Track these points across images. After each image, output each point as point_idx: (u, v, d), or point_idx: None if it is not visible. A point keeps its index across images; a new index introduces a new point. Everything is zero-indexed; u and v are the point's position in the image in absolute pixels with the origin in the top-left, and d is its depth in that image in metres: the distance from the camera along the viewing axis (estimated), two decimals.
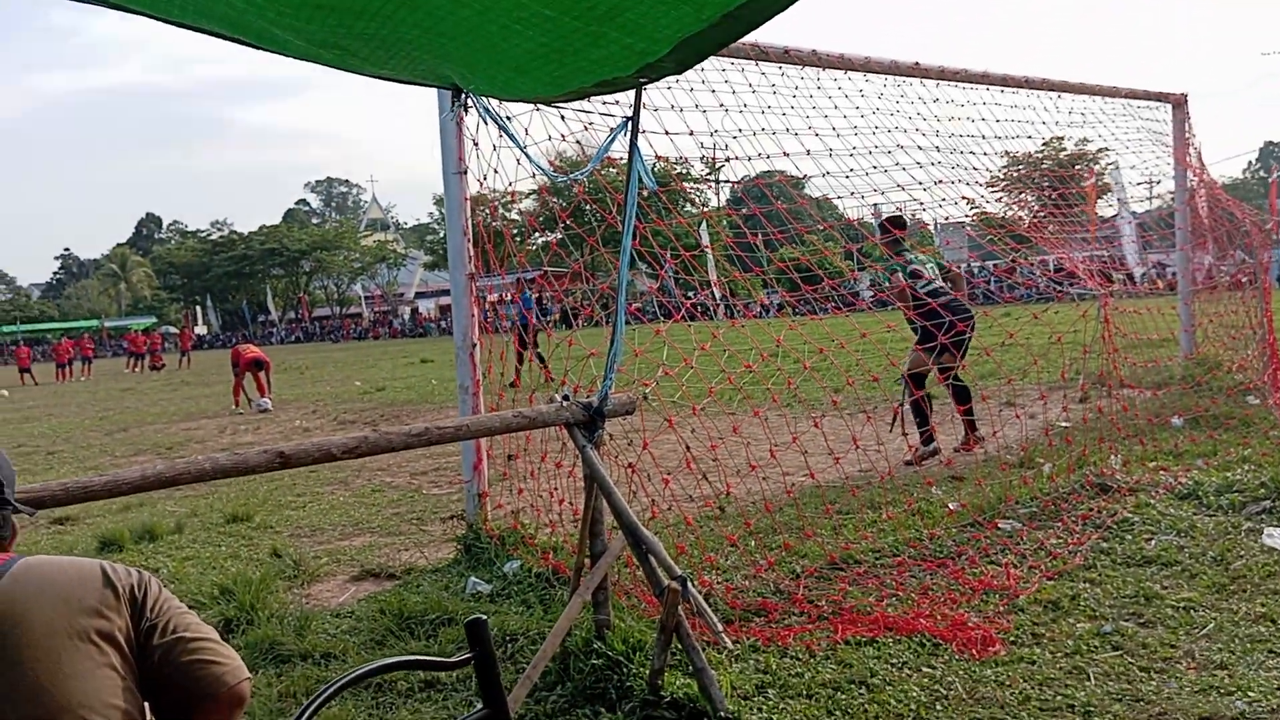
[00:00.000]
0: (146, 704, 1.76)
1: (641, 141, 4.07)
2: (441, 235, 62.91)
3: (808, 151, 6.19)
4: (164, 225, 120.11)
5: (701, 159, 6.23)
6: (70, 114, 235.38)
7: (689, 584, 3.63)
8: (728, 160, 6.17)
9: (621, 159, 4.24)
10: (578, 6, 2.68)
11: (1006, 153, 8.73)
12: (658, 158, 5.54)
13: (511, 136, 4.39)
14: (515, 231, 6.89)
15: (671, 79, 4.02)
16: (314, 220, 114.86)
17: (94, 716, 1.61)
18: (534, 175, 5.14)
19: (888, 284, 8.05)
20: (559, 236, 6.28)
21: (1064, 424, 8.42)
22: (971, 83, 8.13)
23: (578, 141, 5.19)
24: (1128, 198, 14.90)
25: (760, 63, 6.36)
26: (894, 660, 3.95)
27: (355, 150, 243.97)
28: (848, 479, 6.63)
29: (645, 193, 4.43)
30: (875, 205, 8.16)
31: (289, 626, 4.78)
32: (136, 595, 1.78)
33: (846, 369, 7.95)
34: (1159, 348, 10.45)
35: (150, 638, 1.75)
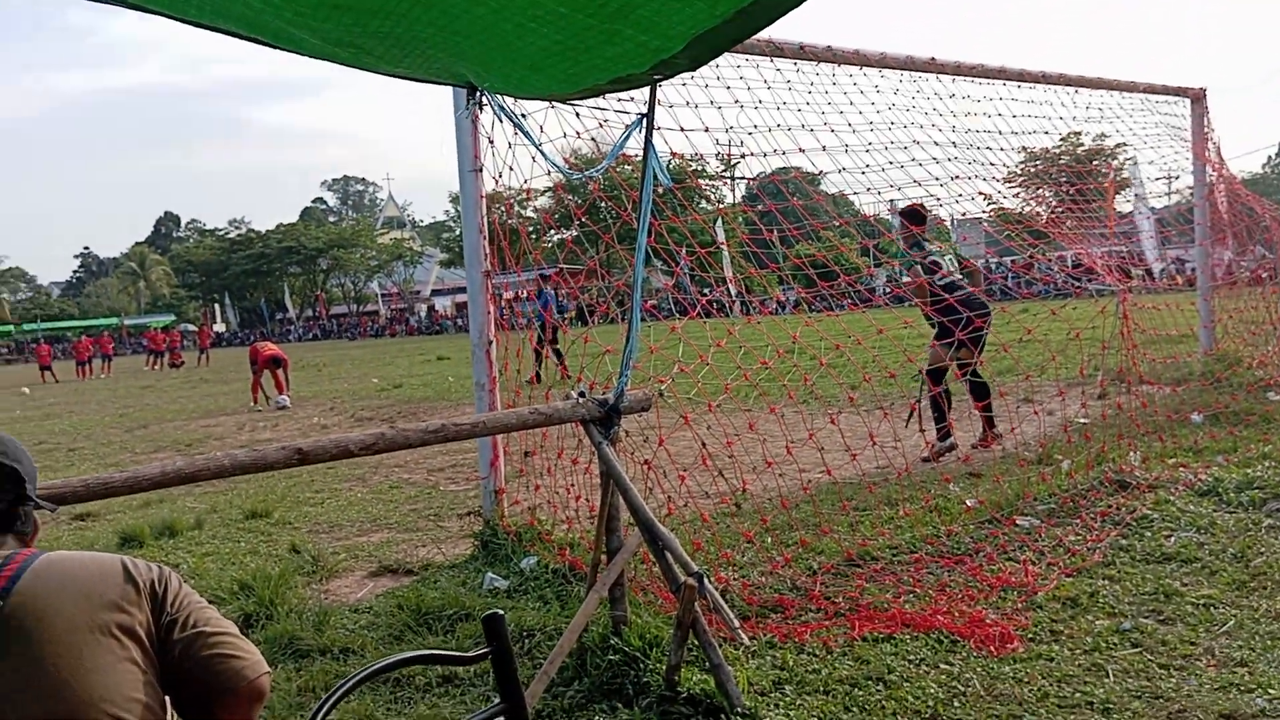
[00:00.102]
0: (167, 698, 1.77)
1: (656, 138, 4.07)
2: (457, 233, 63.08)
3: (823, 147, 6.18)
4: (182, 224, 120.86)
5: (717, 155, 6.23)
6: (89, 114, 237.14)
7: (705, 580, 3.63)
8: (743, 157, 6.17)
9: (636, 156, 4.25)
10: (592, 4, 2.69)
11: (1024, 148, 8.70)
12: (673, 154, 5.55)
13: (527, 134, 4.41)
14: (531, 229, 6.91)
15: (686, 75, 4.02)
16: (331, 218, 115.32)
17: (115, 711, 1.62)
18: (549, 172, 5.15)
19: (906, 276, 8.01)
20: (574, 234, 6.29)
21: (1083, 420, 8.38)
22: (988, 78, 8.08)
23: (593, 139, 5.20)
24: (1146, 193, 14.81)
25: (775, 59, 6.35)
26: (911, 657, 3.94)
27: (371, 149, 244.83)
28: (865, 476, 6.61)
29: (660, 189, 4.44)
30: (891, 201, 8.14)
31: (308, 622, 4.81)
32: (157, 590, 1.79)
33: (863, 365, 7.94)
34: (1178, 344, 10.38)
35: (171, 632, 1.76)
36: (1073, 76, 8.93)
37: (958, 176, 7.02)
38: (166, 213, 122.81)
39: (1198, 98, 10.79)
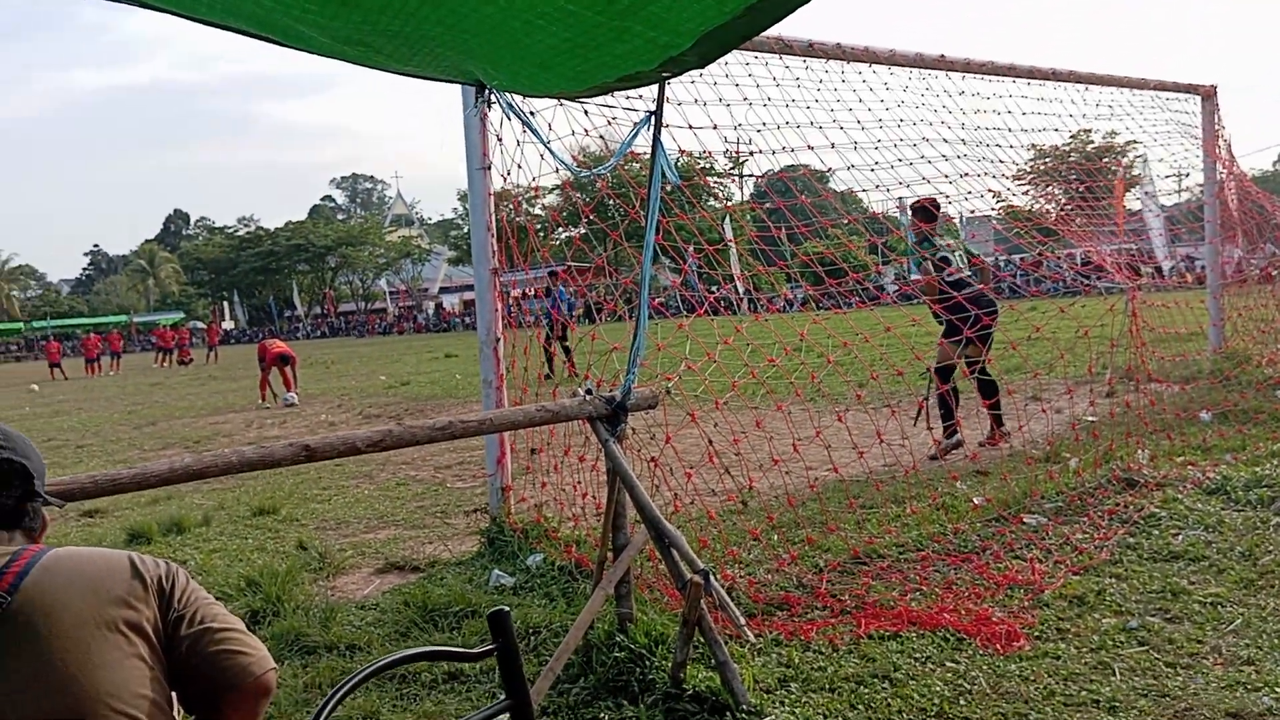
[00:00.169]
0: (174, 694, 1.78)
1: (665, 136, 4.07)
2: (465, 231, 63.02)
3: (832, 145, 6.17)
4: (191, 221, 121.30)
5: (725, 153, 6.23)
6: (99, 111, 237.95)
7: (711, 578, 3.63)
8: (751, 154, 6.16)
9: (645, 153, 4.25)
10: (600, 1, 2.69)
11: (1033, 145, 8.66)
12: (681, 152, 5.54)
13: (535, 132, 4.41)
14: (539, 227, 6.91)
15: (695, 73, 4.01)
16: (339, 216, 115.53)
17: (122, 706, 1.63)
18: (557, 170, 5.15)
19: (917, 273, 7.98)
20: (582, 231, 6.29)
21: (1091, 418, 8.35)
22: (997, 75, 8.06)
23: (601, 136, 5.20)
24: (1156, 190, 14.76)
25: (784, 56, 6.34)
26: (917, 655, 3.94)
27: (380, 146, 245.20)
28: (871, 473, 6.61)
29: (668, 187, 4.43)
30: (900, 199, 8.12)
31: (314, 618, 4.82)
32: (164, 586, 1.80)
33: (871, 363, 7.94)
34: (1187, 342, 10.34)
35: (177, 628, 1.77)
36: (1083, 74, 8.90)
37: (967, 174, 7.00)
38: (176, 210, 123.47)
39: (1208, 95, 10.75)
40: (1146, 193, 15.09)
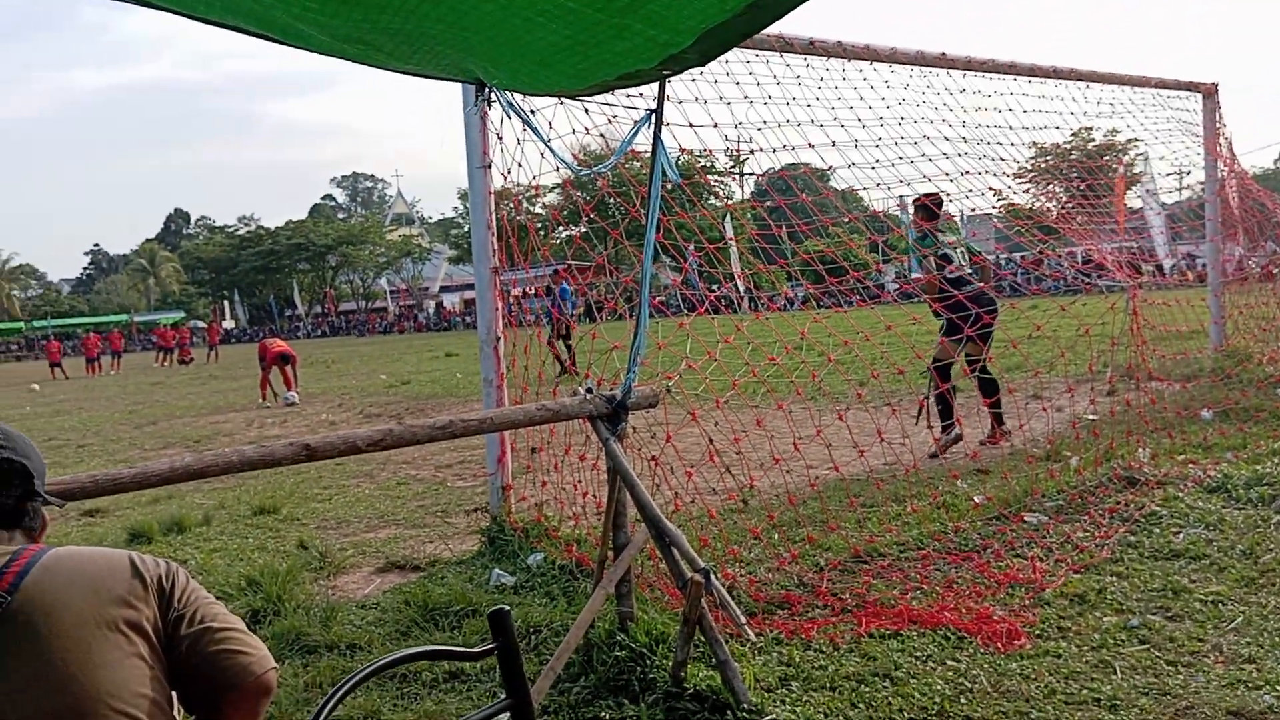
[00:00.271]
0: (174, 694, 1.77)
1: (665, 134, 4.07)
2: (466, 229, 63.10)
3: (833, 143, 6.16)
4: (192, 220, 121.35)
5: (726, 151, 6.22)
6: (100, 110, 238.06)
7: (712, 576, 3.63)
8: (752, 152, 6.16)
9: (645, 152, 4.24)
10: None
11: (1034, 143, 8.64)
12: (682, 150, 5.53)
13: (535, 130, 4.41)
14: (539, 225, 6.90)
15: (695, 71, 4.01)
16: (340, 215, 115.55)
17: (122, 706, 1.62)
18: (558, 169, 5.15)
19: (918, 271, 7.97)
20: (583, 230, 6.29)
21: (1091, 417, 8.35)
22: (999, 73, 8.05)
23: (601, 135, 5.20)
24: (1157, 188, 14.75)
25: (785, 54, 6.33)
26: (918, 653, 3.93)
27: (380, 145, 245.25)
28: (872, 472, 6.61)
29: (669, 185, 4.43)
30: (901, 197, 8.11)
31: (315, 617, 4.82)
32: (164, 585, 1.79)
33: (871, 362, 7.93)
34: (1188, 340, 10.34)
35: (178, 628, 1.76)
36: (1084, 71, 8.89)
37: (968, 172, 7.00)
38: (176, 209, 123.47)
39: (1209, 93, 10.74)
40: (1148, 190, 15.10)
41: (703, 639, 3.62)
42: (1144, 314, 8.03)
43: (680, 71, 3.49)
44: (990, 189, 7.22)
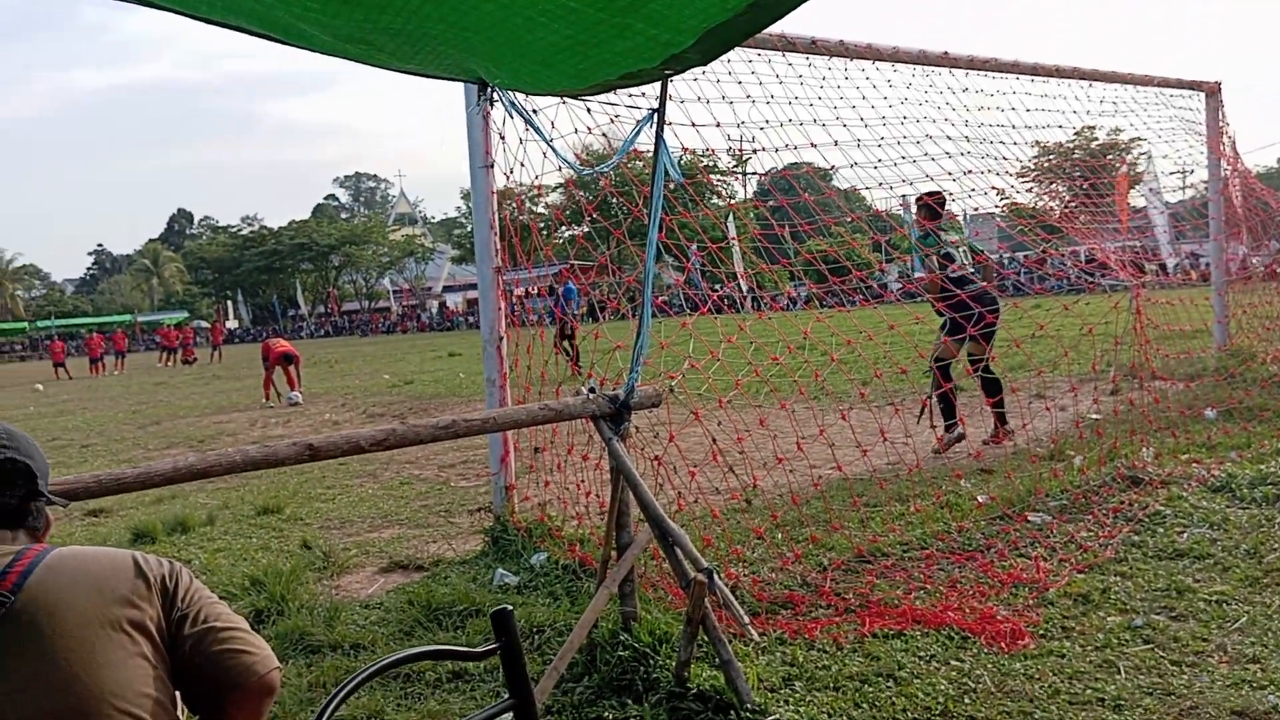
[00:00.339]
0: (177, 693, 1.78)
1: (668, 133, 4.06)
2: (469, 229, 62.93)
3: (835, 142, 6.16)
4: (195, 221, 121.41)
5: (728, 151, 6.22)
6: (102, 111, 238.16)
7: (715, 576, 3.63)
8: (754, 152, 6.15)
9: (647, 151, 4.24)
10: None
11: (1037, 142, 8.63)
12: (684, 149, 5.54)
13: (537, 130, 4.41)
14: (542, 225, 6.91)
15: (697, 70, 4.01)
16: (343, 215, 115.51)
17: (126, 706, 1.63)
18: (560, 169, 5.15)
19: (921, 270, 7.96)
20: (585, 230, 6.29)
21: (1095, 416, 8.34)
22: (1001, 72, 8.04)
23: (604, 134, 5.19)
24: (1160, 187, 14.73)
25: (787, 53, 6.33)
26: (922, 653, 3.93)
27: (383, 145, 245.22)
28: (875, 471, 6.60)
29: (671, 185, 4.42)
30: (904, 196, 8.11)
31: (319, 617, 4.82)
32: (168, 585, 1.80)
33: (874, 361, 7.92)
34: (1192, 339, 10.33)
35: (181, 627, 1.77)
36: (1086, 70, 8.88)
37: (971, 171, 6.99)
38: (179, 209, 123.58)
39: (1212, 91, 10.72)
40: (1151, 189, 15.05)
41: (706, 639, 3.62)
42: (1147, 313, 8.01)
43: (682, 71, 3.49)
44: (993, 188, 7.21)
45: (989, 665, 3.78)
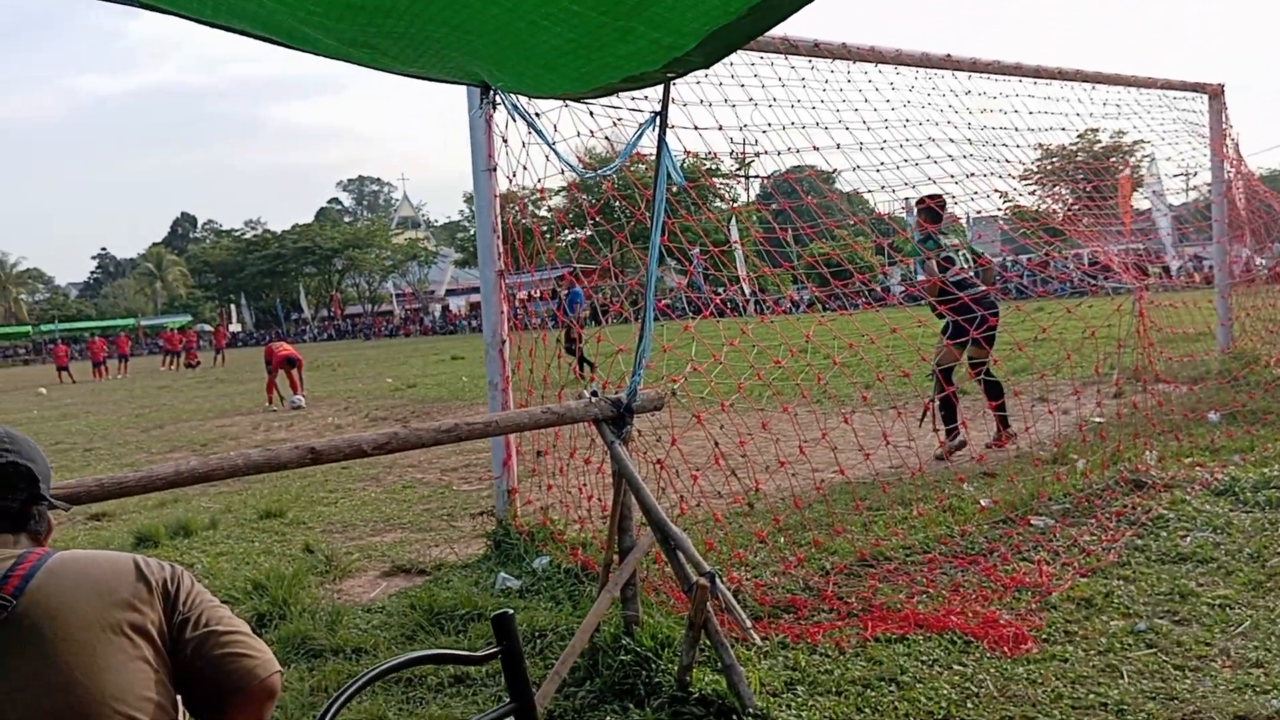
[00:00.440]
0: (179, 697, 1.77)
1: (670, 137, 4.07)
2: (472, 233, 63.14)
3: (838, 145, 6.15)
4: (199, 224, 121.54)
5: (731, 154, 6.21)
6: (107, 115, 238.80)
7: (717, 580, 3.62)
8: (757, 155, 6.15)
9: (650, 154, 4.24)
10: (605, 2, 2.68)
11: (1040, 145, 8.63)
12: (686, 153, 5.53)
13: (540, 133, 4.41)
14: (544, 228, 6.91)
15: (700, 73, 4.01)
16: (346, 219, 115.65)
17: (127, 709, 1.63)
18: (563, 172, 5.16)
19: (923, 267, 7.95)
20: (588, 233, 6.29)
21: (1098, 419, 8.33)
22: (1004, 74, 8.03)
23: (606, 137, 5.20)
24: (1164, 190, 14.72)
25: (789, 56, 6.33)
26: (924, 657, 3.92)
27: (386, 148, 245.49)
28: (878, 475, 6.59)
29: (674, 188, 4.43)
30: (906, 199, 8.10)
31: (321, 621, 4.82)
32: (169, 589, 1.80)
33: (877, 365, 7.92)
34: (1195, 342, 10.31)
35: (182, 631, 1.77)
36: (1089, 73, 8.87)
37: (973, 174, 6.98)
38: (183, 213, 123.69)
39: (1216, 93, 10.71)
40: (1154, 192, 15.04)
41: (708, 643, 3.61)
42: (1150, 316, 8.00)
43: (684, 74, 3.49)
44: (996, 191, 7.20)
45: (992, 670, 3.77)
